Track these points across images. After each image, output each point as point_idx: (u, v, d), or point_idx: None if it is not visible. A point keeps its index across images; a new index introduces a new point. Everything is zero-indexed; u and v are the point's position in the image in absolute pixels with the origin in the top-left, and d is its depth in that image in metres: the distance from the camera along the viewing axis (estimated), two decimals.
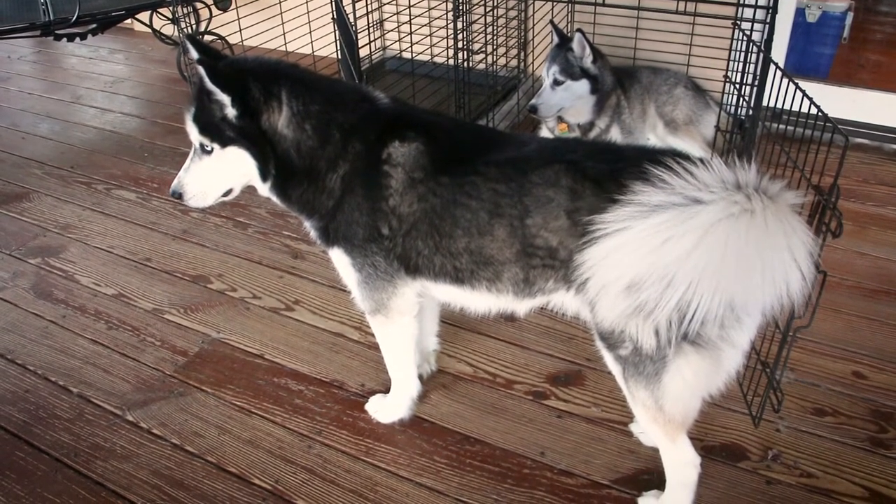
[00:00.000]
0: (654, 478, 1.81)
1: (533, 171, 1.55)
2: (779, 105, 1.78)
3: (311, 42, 3.52)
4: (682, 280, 1.25)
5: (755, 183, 1.28)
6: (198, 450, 1.96)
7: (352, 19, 2.40)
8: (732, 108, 2.36)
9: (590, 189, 1.48)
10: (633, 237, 1.28)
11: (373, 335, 2.17)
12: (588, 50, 2.80)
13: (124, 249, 2.80)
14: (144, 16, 4.30)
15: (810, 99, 1.58)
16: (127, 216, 3.02)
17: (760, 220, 1.24)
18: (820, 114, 1.56)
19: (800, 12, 3.68)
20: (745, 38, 2.10)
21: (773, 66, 1.89)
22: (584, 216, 1.46)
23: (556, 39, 2.89)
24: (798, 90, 1.62)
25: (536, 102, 2.81)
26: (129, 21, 4.24)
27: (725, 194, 1.26)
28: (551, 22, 2.91)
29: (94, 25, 3.88)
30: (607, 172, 1.47)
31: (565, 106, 2.86)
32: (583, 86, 2.85)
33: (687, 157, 1.39)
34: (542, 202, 1.53)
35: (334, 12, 2.35)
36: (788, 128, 1.75)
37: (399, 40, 3.70)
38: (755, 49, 2.06)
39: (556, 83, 2.83)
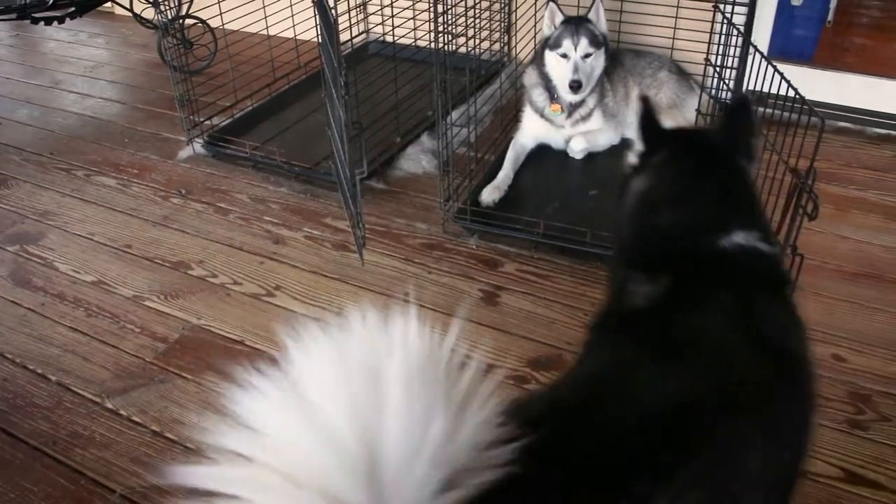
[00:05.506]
0: None
1: None
2: (762, 88, 1.77)
3: (294, 26, 3.50)
4: None
5: None
6: (178, 437, 1.95)
7: (332, 2, 2.38)
8: (715, 92, 2.36)
9: None
10: None
11: None
12: (603, 17, 2.90)
13: (104, 236, 2.77)
14: None
15: (787, 81, 1.58)
16: (107, 203, 2.99)
17: None
18: (797, 96, 1.55)
19: None
20: (725, 20, 2.09)
21: (752, 50, 1.88)
22: None
23: (561, 16, 2.90)
24: (776, 72, 1.62)
25: (578, 77, 2.83)
26: (108, 4, 4.18)
27: None
28: (553, 1, 2.89)
29: (72, 9, 3.82)
30: None
31: (595, 76, 2.92)
32: (604, 53, 2.92)
33: None
34: None
35: None
36: (770, 111, 1.74)
37: (382, 23, 3.67)
38: (735, 32, 2.05)
39: (587, 56, 2.86)
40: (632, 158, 1.43)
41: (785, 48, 3.72)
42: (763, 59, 1.71)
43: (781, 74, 1.60)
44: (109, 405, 2.05)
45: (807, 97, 3.36)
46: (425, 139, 3.20)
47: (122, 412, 2.02)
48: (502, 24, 3.60)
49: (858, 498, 1.74)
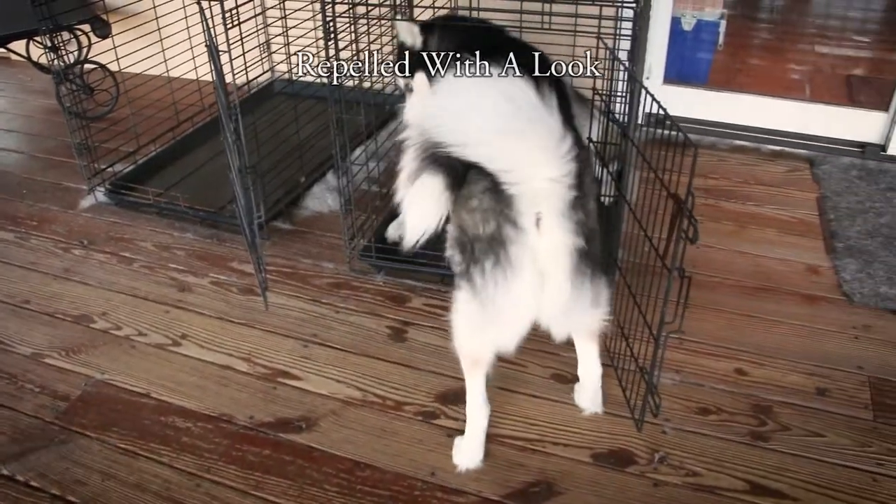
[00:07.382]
0: (544, 489, 1.82)
1: None
2: (656, 112, 1.80)
3: (196, 68, 3.45)
4: None
5: None
6: (80, 499, 1.87)
7: (224, 46, 2.36)
8: (611, 119, 2.41)
9: None
10: None
11: (263, 365, 2.14)
12: None
13: (0, 293, 2.67)
14: (20, 45, 4.14)
15: (662, 108, 1.63)
16: (3, 257, 2.88)
17: None
18: (672, 123, 1.59)
19: (676, 21, 3.80)
20: (606, 49, 2.15)
21: (630, 76, 1.94)
22: None
23: None
24: (652, 99, 1.66)
25: None
26: (2, 50, 4.06)
27: None
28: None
29: None
30: None
31: None
32: None
33: None
34: None
35: (207, 39, 2.30)
36: (659, 133, 1.78)
37: (285, 61, 3.67)
38: (617, 61, 2.11)
39: None
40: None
41: (681, 71, 3.85)
42: (640, 86, 1.76)
43: (656, 100, 1.64)
44: (5, 471, 1.96)
45: (703, 118, 3.47)
46: (330, 177, 3.18)
47: (20, 477, 1.94)
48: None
49: None
